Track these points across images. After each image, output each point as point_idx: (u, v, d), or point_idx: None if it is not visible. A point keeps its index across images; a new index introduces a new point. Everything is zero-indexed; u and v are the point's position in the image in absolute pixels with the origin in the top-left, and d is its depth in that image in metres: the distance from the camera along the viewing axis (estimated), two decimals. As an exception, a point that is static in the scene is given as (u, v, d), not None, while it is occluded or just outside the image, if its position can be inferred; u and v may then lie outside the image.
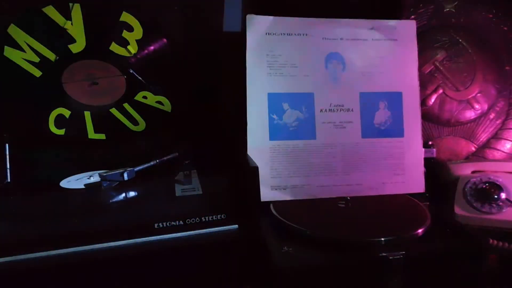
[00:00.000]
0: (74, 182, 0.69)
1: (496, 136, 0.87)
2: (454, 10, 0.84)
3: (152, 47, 0.73)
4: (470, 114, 0.86)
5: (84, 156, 0.76)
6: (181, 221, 0.55)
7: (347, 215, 0.61)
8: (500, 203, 0.68)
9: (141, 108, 0.77)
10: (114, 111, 0.76)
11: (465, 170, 0.75)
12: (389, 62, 0.71)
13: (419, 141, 0.70)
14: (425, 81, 0.84)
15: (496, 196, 0.68)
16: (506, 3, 0.84)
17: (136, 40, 0.72)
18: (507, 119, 0.87)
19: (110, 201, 0.63)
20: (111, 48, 0.71)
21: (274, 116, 0.67)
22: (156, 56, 0.74)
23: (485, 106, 0.86)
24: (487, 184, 0.70)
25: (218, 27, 0.74)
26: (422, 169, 0.70)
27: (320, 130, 0.68)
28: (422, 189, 0.69)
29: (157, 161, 0.73)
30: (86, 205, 0.63)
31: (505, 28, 0.85)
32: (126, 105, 0.76)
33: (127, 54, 0.72)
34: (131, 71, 0.73)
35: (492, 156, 0.86)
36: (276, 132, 0.67)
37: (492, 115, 0.87)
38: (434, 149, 0.72)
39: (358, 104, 0.69)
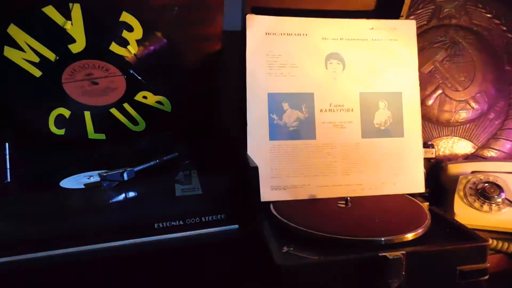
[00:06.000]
0: (74, 182, 0.69)
1: (496, 136, 0.87)
2: (454, 10, 0.84)
3: (152, 47, 0.73)
4: (469, 114, 0.87)
5: (84, 156, 0.76)
6: (181, 221, 0.55)
7: (347, 215, 0.61)
8: (500, 203, 0.68)
9: (141, 108, 0.77)
10: (114, 111, 0.76)
11: (465, 170, 0.75)
12: (389, 62, 0.71)
13: (419, 141, 0.70)
14: (425, 81, 0.84)
15: (496, 196, 0.68)
16: (506, 3, 0.84)
17: (136, 40, 0.72)
18: (506, 119, 0.87)
19: (110, 201, 0.63)
20: (111, 48, 0.71)
21: (274, 116, 0.67)
22: (156, 56, 0.74)
23: (485, 106, 0.87)
24: (487, 184, 0.70)
25: (218, 27, 0.74)
26: (422, 169, 0.70)
27: (320, 130, 0.68)
28: (422, 189, 0.69)
29: (157, 161, 0.73)
30: (86, 205, 0.63)
31: (505, 29, 0.85)
32: (126, 105, 0.76)
33: (127, 54, 0.72)
34: (131, 71, 0.73)
35: (492, 156, 0.86)
36: (276, 132, 0.66)
37: (491, 115, 0.87)
38: (434, 149, 0.72)
39: (358, 104, 0.69)
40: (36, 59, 0.68)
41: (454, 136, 0.87)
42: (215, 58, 0.76)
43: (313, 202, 0.65)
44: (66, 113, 0.74)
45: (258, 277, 0.54)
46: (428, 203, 0.65)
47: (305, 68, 0.68)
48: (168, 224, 0.54)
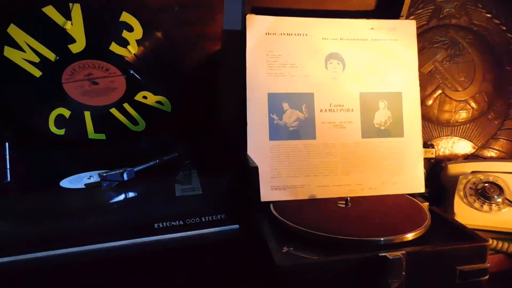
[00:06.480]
0: (74, 182, 0.69)
1: (496, 136, 0.87)
2: (454, 10, 0.84)
3: (152, 47, 0.73)
4: (469, 114, 0.87)
5: (84, 156, 0.76)
6: (181, 221, 0.55)
7: (347, 215, 0.61)
8: (500, 203, 0.68)
9: (141, 108, 0.77)
10: (114, 111, 0.76)
11: (465, 170, 0.75)
12: (389, 62, 0.71)
13: (419, 141, 0.70)
14: (425, 81, 0.84)
15: (496, 196, 0.68)
16: (506, 3, 0.84)
17: (136, 40, 0.72)
18: (506, 119, 0.87)
19: (110, 201, 0.63)
20: (111, 48, 0.71)
21: (274, 116, 0.67)
22: (156, 56, 0.74)
23: (485, 106, 0.87)
24: (487, 184, 0.70)
25: (218, 27, 0.74)
26: (422, 169, 0.70)
27: (320, 130, 0.68)
28: (422, 189, 0.69)
29: (157, 161, 0.73)
30: (86, 205, 0.63)
31: (505, 28, 0.85)
32: (126, 105, 0.76)
33: (127, 54, 0.72)
34: (131, 71, 0.73)
35: (492, 156, 0.86)
36: (276, 132, 0.67)
37: (491, 115, 0.87)
38: (434, 149, 0.72)
39: (358, 104, 0.69)
40: (36, 59, 0.68)
41: (454, 136, 0.87)
42: (215, 58, 0.76)
43: (313, 202, 0.65)
44: (66, 113, 0.74)
45: (258, 277, 0.54)
46: (428, 203, 0.65)
47: (305, 68, 0.68)
48: (168, 224, 0.54)
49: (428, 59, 0.85)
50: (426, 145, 0.72)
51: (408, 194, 0.68)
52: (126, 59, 0.72)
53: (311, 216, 0.60)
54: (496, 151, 0.87)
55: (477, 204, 0.69)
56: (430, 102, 0.85)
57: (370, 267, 0.48)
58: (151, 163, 0.71)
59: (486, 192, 0.69)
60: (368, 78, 0.70)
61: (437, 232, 0.56)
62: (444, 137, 0.87)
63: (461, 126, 0.87)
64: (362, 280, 0.49)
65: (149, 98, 0.76)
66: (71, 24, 0.68)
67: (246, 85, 0.66)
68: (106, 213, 0.59)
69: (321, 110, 0.68)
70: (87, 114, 0.75)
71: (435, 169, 0.77)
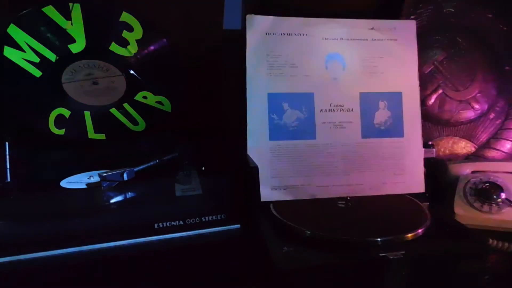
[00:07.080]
0: (74, 182, 0.69)
1: (496, 136, 0.87)
2: (453, 10, 0.84)
3: (152, 47, 0.73)
4: (470, 114, 0.86)
5: (84, 156, 0.76)
6: (181, 221, 0.55)
7: (347, 215, 0.61)
8: (500, 203, 0.68)
9: (141, 108, 0.77)
10: (114, 111, 0.76)
11: (465, 170, 0.75)
12: (389, 62, 0.71)
13: (419, 141, 0.70)
14: (425, 81, 0.84)
15: (496, 196, 0.68)
16: (506, 3, 0.84)
17: (136, 40, 0.72)
18: (506, 119, 0.87)
19: (110, 201, 0.63)
20: (111, 48, 0.71)
21: (274, 116, 0.67)
22: (156, 56, 0.74)
23: (485, 106, 0.86)
24: (487, 184, 0.70)
25: (218, 27, 0.74)
26: (422, 169, 0.70)
27: (320, 130, 0.68)
28: (422, 189, 0.69)
29: (157, 161, 0.73)
30: (86, 205, 0.63)
31: (505, 28, 0.85)
32: (126, 105, 0.76)
33: (127, 54, 0.72)
34: (131, 71, 0.73)
35: (492, 156, 0.86)
36: (276, 132, 0.67)
37: (492, 115, 0.87)
38: (434, 149, 0.72)
39: (358, 104, 0.69)
40: (36, 59, 0.68)
41: (454, 136, 0.87)
42: (215, 58, 0.76)
43: (313, 202, 0.65)
44: (66, 113, 0.74)
45: (258, 277, 0.54)
46: (428, 203, 0.65)
47: (305, 68, 0.69)
48: (168, 224, 0.54)
49: (428, 59, 0.85)
50: (426, 145, 0.72)
51: (408, 194, 0.68)
52: (126, 59, 0.72)
53: (311, 216, 0.60)
54: (496, 151, 0.86)
55: (477, 204, 0.68)
56: (430, 102, 0.85)
57: (370, 267, 0.48)
58: (151, 163, 0.71)
59: (486, 192, 0.69)
60: (368, 78, 0.70)
61: (437, 232, 0.56)
62: (444, 137, 0.87)
63: (461, 126, 0.87)
64: (362, 280, 0.49)
65: (149, 98, 0.76)
66: (71, 24, 0.68)
67: (246, 85, 0.66)
68: (106, 213, 0.59)
69: (321, 110, 0.68)
70: (87, 114, 0.75)
71: (435, 169, 0.77)
